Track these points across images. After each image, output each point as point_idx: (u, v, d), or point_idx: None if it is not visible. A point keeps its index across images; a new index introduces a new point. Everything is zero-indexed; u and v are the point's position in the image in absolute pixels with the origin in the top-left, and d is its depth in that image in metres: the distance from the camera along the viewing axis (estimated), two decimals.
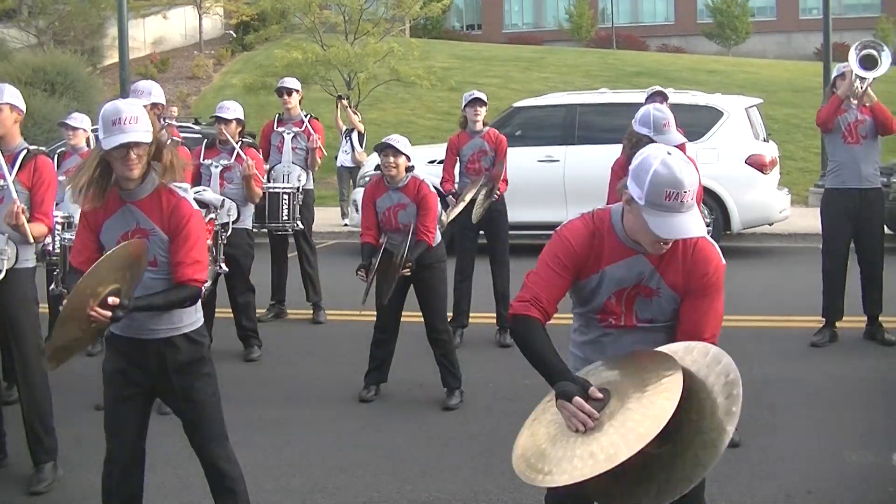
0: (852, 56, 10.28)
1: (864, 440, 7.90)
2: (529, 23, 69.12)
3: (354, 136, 21.47)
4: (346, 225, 20.65)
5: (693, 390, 3.98)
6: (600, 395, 4.03)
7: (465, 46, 49.14)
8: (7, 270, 6.97)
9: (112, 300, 5.08)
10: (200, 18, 49.26)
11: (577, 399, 4.01)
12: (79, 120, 10.84)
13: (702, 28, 61.07)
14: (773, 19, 63.80)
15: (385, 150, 8.89)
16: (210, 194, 9.59)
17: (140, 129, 5.17)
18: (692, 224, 4.12)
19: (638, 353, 4.36)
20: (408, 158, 8.93)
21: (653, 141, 7.66)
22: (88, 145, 10.68)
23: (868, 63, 10.28)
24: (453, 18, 67.23)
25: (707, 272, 4.35)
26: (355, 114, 22.10)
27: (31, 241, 7.04)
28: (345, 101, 22.50)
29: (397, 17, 33.36)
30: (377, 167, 9.09)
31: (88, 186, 5.26)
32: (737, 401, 3.88)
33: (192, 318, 5.52)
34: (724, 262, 4.45)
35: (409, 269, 8.81)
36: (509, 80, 35.96)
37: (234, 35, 50.05)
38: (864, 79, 10.32)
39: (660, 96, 10.37)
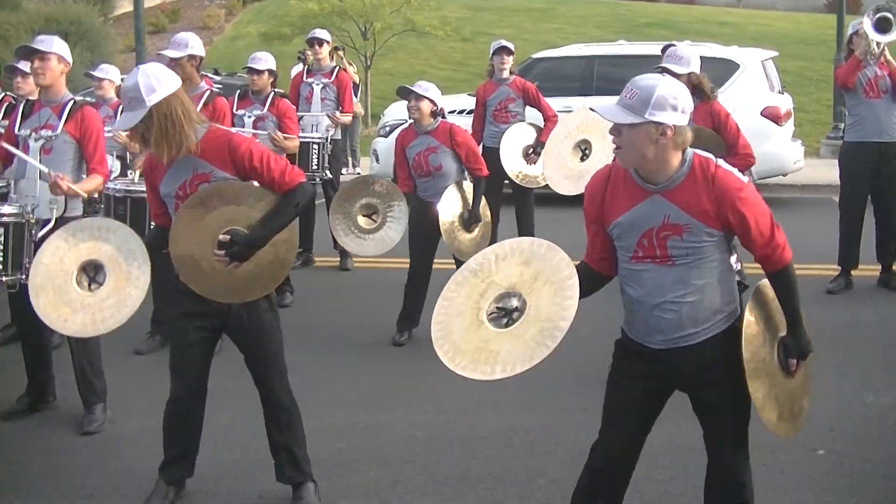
0: (867, 21, 10.46)
1: (882, 382, 8.20)
2: None
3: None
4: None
5: None
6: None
7: None
8: (56, 219, 7.18)
9: (222, 237, 5.38)
10: None
11: None
12: (105, 70, 10.99)
13: None
14: None
15: (407, 95, 9.16)
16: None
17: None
18: (617, 114, 4.46)
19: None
20: (432, 102, 9.16)
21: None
22: (118, 96, 10.87)
23: (883, 26, 10.47)
24: None
25: (735, 193, 4.49)
26: (350, 65, 22.18)
27: (85, 198, 7.29)
28: (340, 52, 22.57)
29: None
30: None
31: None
32: None
33: None
34: (745, 179, 4.61)
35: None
36: (522, 31, 35.84)
37: None
38: (879, 42, 10.51)
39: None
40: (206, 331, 5.84)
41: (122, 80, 10.22)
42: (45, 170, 7.04)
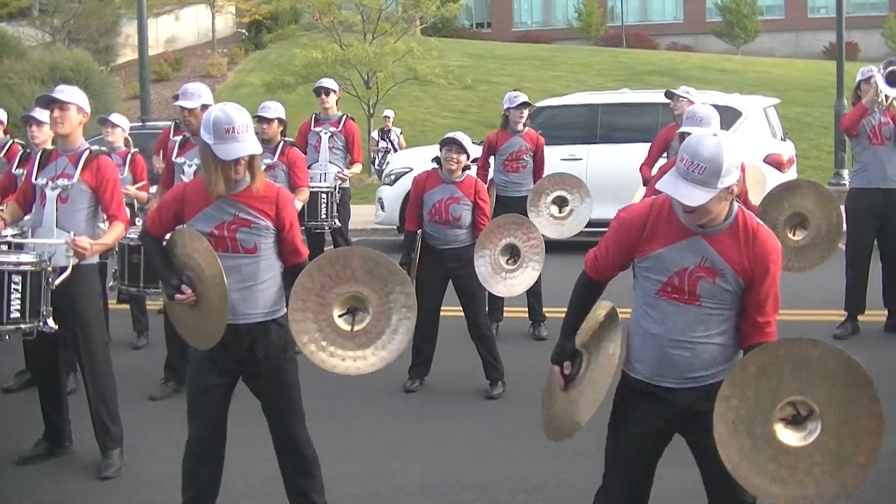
0: (878, 74, 10.59)
1: (892, 427, 8.19)
2: (539, 21, 69.23)
3: None
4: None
5: None
6: (567, 372, 5.06)
7: (476, 45, 49.34)
8: (73, 266, 7.23)
9: None
10: (213, 17, 49.37)
11: (555, 368, 5.05)
12: (118, 119, 11.13)
13: (711, 27, 61.13)
14: (781, 18, 63.89)
15: (449, 144, 9.22)
16: None
17: (252, 139, 5.57)
18: (693, 194, 4.49)
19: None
20: (468, 157, 9.27)
21: None
22: (126, 145, 10.98)
23: (894, 79, 10.58)
24: (463, 17, 67.26)
25: (771, 258, 4.65)
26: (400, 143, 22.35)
27: (114, 250, 7.40)
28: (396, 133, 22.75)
29: (413, 16, 33.44)
30: (434, 159, 9.43)
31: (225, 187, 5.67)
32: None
33: (280, 304, 5.89)
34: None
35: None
36: (523, 79, 36.08)
37: (246, 34, 50.19)
38: (889, 96, 10.61)
39: None
40: (224, 377, 5.85)
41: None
42: (67, 245, 7.11)
